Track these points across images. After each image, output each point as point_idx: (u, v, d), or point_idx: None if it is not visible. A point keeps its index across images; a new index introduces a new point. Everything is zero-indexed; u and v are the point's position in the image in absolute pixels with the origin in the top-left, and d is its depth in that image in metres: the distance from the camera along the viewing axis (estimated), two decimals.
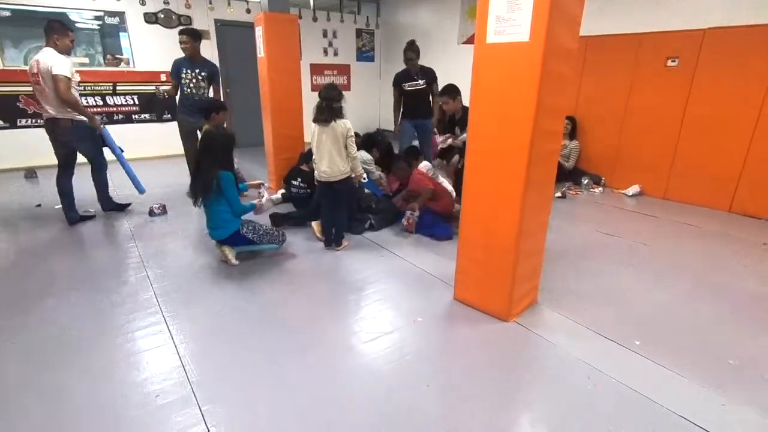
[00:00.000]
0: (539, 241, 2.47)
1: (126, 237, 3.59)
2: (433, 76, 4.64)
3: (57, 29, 3.48)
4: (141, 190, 4.31)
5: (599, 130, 5.37)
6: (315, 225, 3.55)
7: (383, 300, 2.65)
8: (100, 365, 2.02)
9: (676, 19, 4.58)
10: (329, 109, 3.03)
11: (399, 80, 4.65)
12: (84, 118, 3.64)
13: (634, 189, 5.03)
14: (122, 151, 4.06)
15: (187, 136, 4.46)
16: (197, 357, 2.09)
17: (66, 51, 3.56)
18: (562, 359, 2.09)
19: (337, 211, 3.33)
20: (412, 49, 4.46)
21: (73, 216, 3.87)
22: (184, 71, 4.33)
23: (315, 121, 3.09)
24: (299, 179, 4.10)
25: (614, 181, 5.29)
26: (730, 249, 3.49)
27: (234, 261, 3.04)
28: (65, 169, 3.81)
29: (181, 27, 4.67)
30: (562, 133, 2.35)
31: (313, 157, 3.23)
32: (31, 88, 3.64)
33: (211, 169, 2.89)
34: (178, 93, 4.44)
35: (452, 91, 3.86)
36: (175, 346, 2.16)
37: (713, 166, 4.47)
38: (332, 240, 3.36)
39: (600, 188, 5.23)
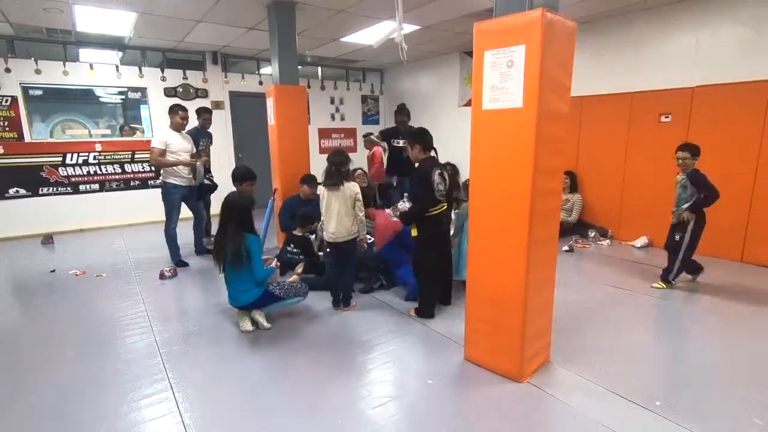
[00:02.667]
0: (547, 298, 2.45)
1: (136, 300, 3.62)
2: None
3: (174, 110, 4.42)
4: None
5: (601, 183, 5.46)
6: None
7: (392, 362, 2.59)
8: None
9: (665, 78, 4.82)
10: (338, 173, 3.14)
11: (388, 135, 5.07)
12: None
13: (642, 240, 5.02)
14: None
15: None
16: (202, 426, 2.03)
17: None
18: (581, 423, 2.00)
19: (345, 272, 3.35)
20: (403, 113, 4.94)
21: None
22: (202, 141, 4.98)
23: (325, 185, 3.19)
24: (292, 245, 4.09)
25: (621, 233, 5.29)
26: (744, 300, 3.41)
27: (266, 324, 3.01)
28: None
29: (200, 104, 5.41)
30: (561, 190, 2.42)
31: (322, 218, 3.31)
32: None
33: (237, 235, 2.88)
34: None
35: (412, 136, 3.14)
36: (181, 415, 2.11)
37: (718, 216, 4.44)
38: (340, 300, 3.36)
39: (607, 240, 5.23)
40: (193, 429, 2.01)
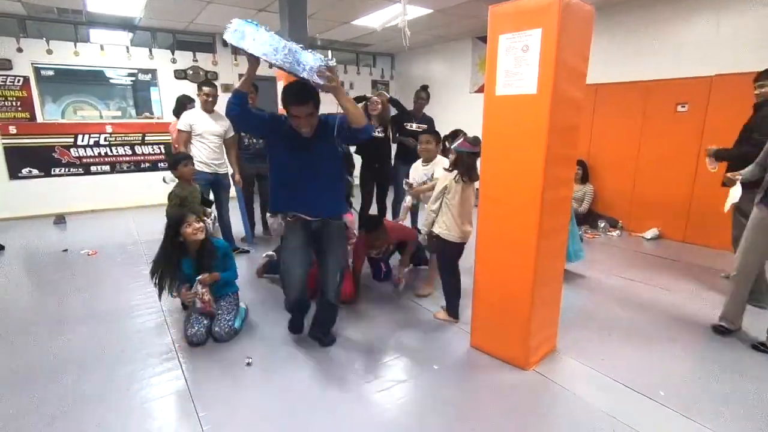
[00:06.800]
0: (556, 287, 2.44)
1: (146, 281, 3.66)
2: (433, 125, 4.70)
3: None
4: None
5: (613, 173, 5.39)
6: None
7: (398, 347, 2.61)
8: (114, 413, 2.02)
9: (683, 67, 4.70)
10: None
11: (399, 119, 4.77)
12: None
13: (652, 232, 4.97)
14: None
15: (248, 179, 4.64)
16: (211, 404, 2.07)
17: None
18: (585, 411, 2.01)
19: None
20: (425, 91, 4.76)
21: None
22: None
23: None
24: None
25: (632, 224, 5.24)
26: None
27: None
28: None
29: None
30: (573, 179, 2.39)
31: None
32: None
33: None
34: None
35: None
36: (190, 392, 2.15)
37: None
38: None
39: (617, 231, 5.18)
40: (202, 406, 2.05)
